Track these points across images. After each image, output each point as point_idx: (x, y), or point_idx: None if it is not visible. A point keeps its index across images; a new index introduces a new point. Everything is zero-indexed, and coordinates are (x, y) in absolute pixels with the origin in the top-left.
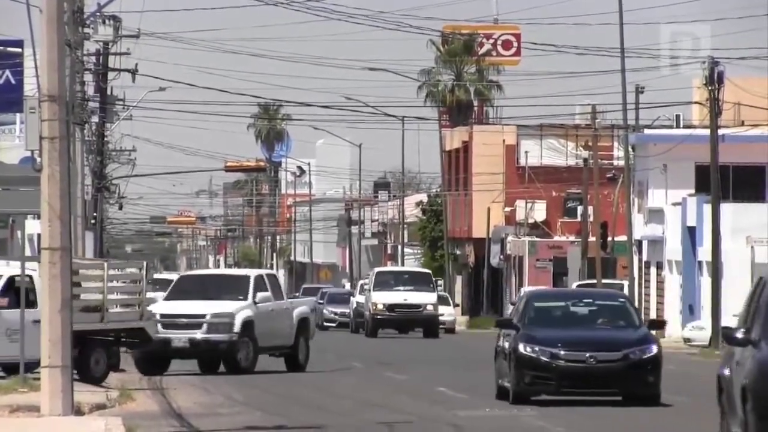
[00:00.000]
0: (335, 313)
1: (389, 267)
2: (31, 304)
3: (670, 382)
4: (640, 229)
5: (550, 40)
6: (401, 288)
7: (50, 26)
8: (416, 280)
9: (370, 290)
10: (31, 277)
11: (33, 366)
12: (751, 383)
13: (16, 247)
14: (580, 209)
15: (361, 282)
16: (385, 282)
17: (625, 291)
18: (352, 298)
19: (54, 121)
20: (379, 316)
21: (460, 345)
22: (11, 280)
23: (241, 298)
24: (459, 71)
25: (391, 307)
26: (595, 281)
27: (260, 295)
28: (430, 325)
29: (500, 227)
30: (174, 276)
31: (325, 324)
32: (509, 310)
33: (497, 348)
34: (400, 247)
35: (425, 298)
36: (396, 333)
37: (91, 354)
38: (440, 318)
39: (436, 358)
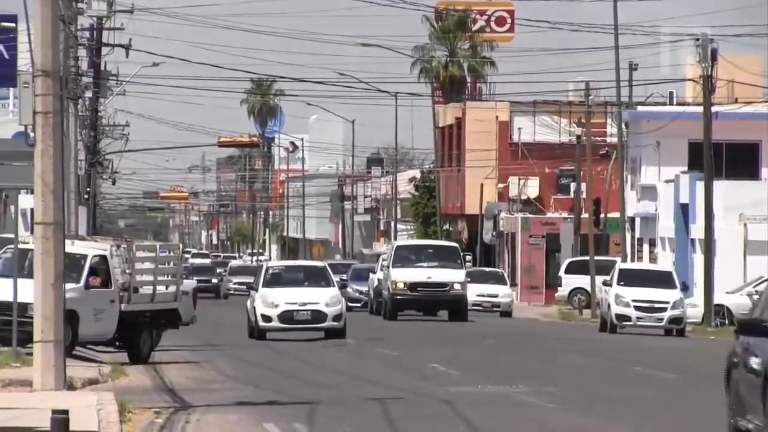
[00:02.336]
0: (360, 292)
1: (411, 240)
2: (104, 284)
3: None
4: (633, 206)
5: (544, 17)
6: (424, 264)
7: (44, 1)
8: (441, 255)
9: (389, 267)
10: (104, 257)
11: (110, 342)
12: None
13: (9, 221)
14: (573, 186)
15: (382, 257)
16: (405, 257)
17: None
18: (372, 275)
19: (47, 95)
20: (399, 296)
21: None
22: (98, 259)
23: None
24: (452, 47)
25: (412, 286)
26: (587, 258)
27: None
28: (458, 307)
29: (493, 203)
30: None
31: (349, 304)
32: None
33: (733, 364)
34: (392, 223)
35: (452, 276)
36: (418, 315)
37: (141, 335)
38: (494, 300)
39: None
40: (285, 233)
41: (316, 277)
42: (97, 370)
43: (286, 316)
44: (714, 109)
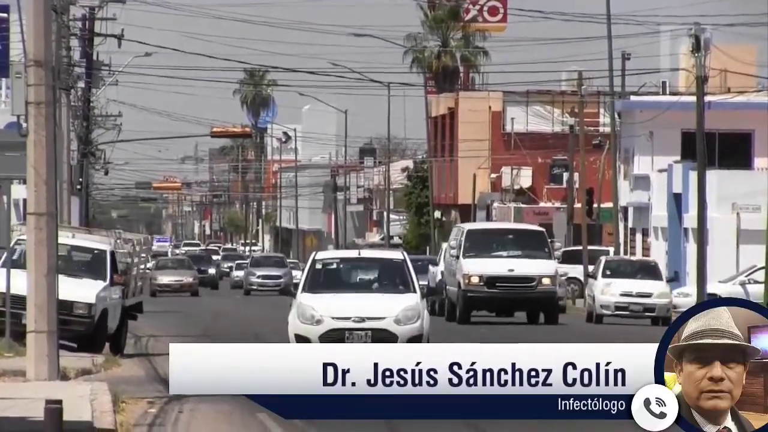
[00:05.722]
0: None
1: (485, 224)
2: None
3: None
4: (626, 195)
5: (537, 6)
6: (504, 254)
7: None
8: (525, 242)
9: (458, 257)
10: (113, 252)
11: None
12: None
13: (2, 212)
14: (565, 176)
15: (445, 245)
16: (480, 245)
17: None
18: (432, 268)
19: (40, 86)
20: (473, 294)
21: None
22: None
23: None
24: (445, 37)
25: (490, 281)
26: (581, 248)
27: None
28: (546, 307)
29: (486, 193)
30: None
31: None
32: None
33: None
34: (385, 214)
35: (540, 268)
36: (495, 316)
37: (123, 327)
38: (646, 301)
39: None
40: (278, 224)
41: (388, 277)
42: (90, 361)
43: (333, 339)
44: (707, 98)
